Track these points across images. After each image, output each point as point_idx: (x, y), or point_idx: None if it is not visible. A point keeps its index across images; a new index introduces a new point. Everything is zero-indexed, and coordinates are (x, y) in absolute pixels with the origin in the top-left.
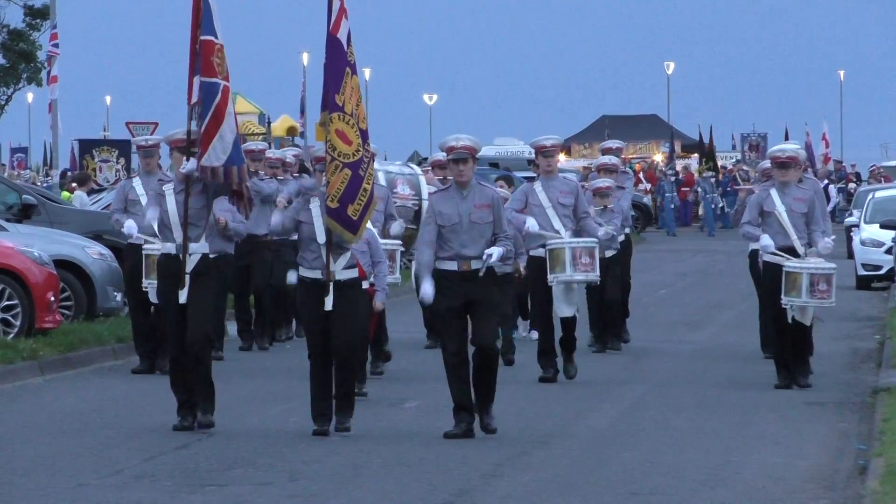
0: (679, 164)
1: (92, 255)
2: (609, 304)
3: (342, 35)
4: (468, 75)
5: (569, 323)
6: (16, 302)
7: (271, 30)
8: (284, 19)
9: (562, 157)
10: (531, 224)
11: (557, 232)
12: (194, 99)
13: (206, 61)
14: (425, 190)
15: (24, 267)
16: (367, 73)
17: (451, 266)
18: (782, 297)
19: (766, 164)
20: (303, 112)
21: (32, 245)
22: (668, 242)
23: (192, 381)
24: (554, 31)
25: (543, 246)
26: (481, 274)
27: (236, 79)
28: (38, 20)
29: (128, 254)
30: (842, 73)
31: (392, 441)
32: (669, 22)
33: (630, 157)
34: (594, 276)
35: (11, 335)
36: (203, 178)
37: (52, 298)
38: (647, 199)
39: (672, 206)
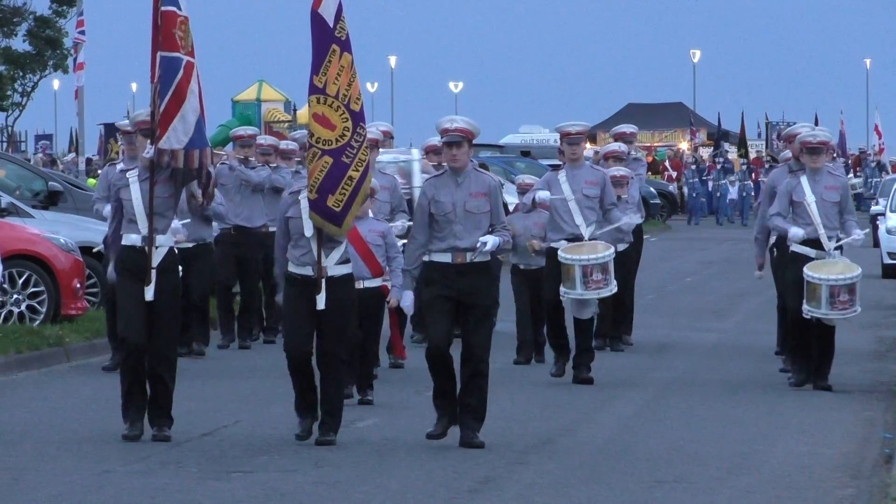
0: (705, 153)
1: None
2: (620, 300)
3: (325, 10)
4: (494, 63)
5: (585, 327)
6: (42, 289)
7: (297, 17)
8: (309, 6)
9: (588, 145)
10: (542, 194)
11: (578, 227)
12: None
13: (167, 34)
14: (418, 178)
15: (51, 254)
16: (392, 60)
17: (445, 258)
18: (804, 304)
19: (789, 153)
20: None
21: (58, 232)
22: (694, 231)
23: (155, 391)
24: (580, 19)
25: (567, 239)
26: (471, 259)
27: (263, 66)
28: (64, 7)
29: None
30: (868, 61)
31: (417, 429)
32: (695, 10)
33: (656, 144)
34: (607, 291)
35: (38, 322)
36: (160, 163)
37: (78, 285)
38: (672, 188)
39: (718, 194)
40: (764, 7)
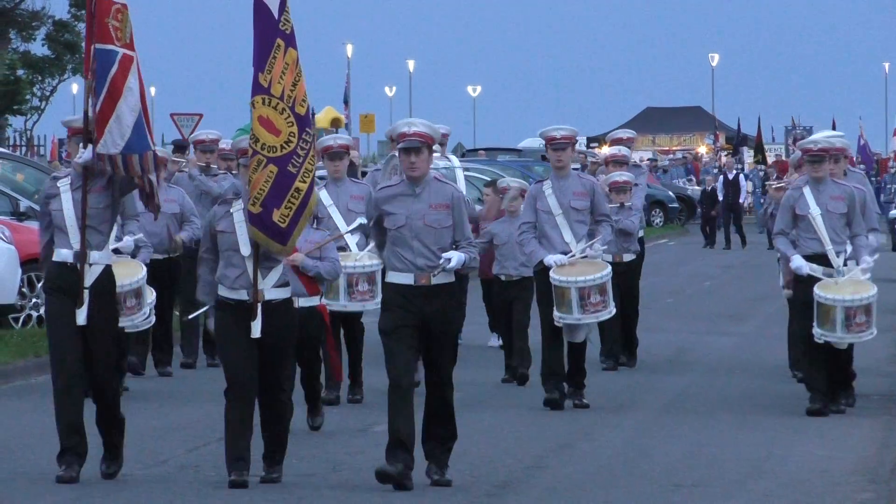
0: (723, 157)
1: None
2: (627, 314)
3: None
4: (512, 67)
5: (578, 350)
6: None
7: (315, 20)
8: (328, 10)
9: (605, 149)
10: (554, 259)
11: (567, 244)
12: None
13: (100, 23)
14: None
15: None
16: (410, 64)
17: (406, 279)
18: (815, 327)
19: (797, 156)
20: (346, 103)
21: None
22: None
23: (100, 423)
24: (598, 22)
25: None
26: (435, 275)
27: None
28: (82, 11)
29: None
30: (886, 65)
31: None
32: (714, 13)
33: (674, 148)
34: (606, 314)
35: None
36: (101, 169)
37: None
38: (690, 192)
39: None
40: (782, 11)
